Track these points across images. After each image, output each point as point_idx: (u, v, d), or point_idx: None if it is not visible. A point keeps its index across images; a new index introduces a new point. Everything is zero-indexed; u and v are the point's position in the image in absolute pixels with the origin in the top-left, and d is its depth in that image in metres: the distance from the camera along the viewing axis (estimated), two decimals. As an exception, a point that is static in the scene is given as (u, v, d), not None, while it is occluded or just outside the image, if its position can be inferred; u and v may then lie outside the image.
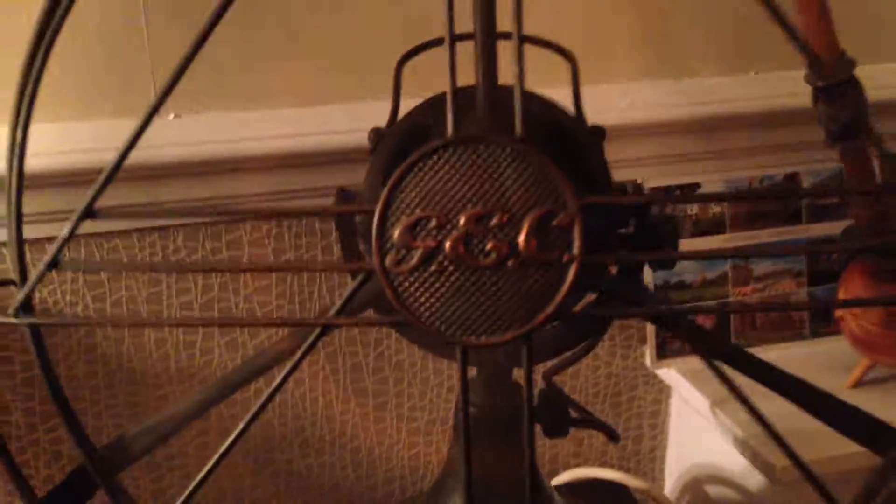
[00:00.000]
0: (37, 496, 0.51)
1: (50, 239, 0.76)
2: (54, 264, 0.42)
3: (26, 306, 0.44)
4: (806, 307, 0.93)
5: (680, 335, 0.46)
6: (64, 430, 0.82)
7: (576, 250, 0.39)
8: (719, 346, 0.52)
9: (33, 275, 0.43)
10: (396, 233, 0.39)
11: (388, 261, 0.39)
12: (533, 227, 0.39)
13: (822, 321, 0.95)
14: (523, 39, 0.46)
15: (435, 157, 0.39)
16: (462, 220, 0.39)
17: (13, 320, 0.44)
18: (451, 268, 0.39)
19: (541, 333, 0.58)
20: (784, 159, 0.90)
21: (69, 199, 0.74)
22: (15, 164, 0.45)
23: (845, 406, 0.53)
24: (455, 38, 0.44)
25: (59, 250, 0.42)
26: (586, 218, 0.41)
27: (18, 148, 0.44)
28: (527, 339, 0.40)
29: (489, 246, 0.39)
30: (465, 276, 0.39)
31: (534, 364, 0.63)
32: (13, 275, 0.48)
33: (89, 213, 0.41)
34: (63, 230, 0.42)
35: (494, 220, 0.39)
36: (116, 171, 0.42)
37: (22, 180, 0.46)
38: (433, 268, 0.39)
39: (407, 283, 0.40)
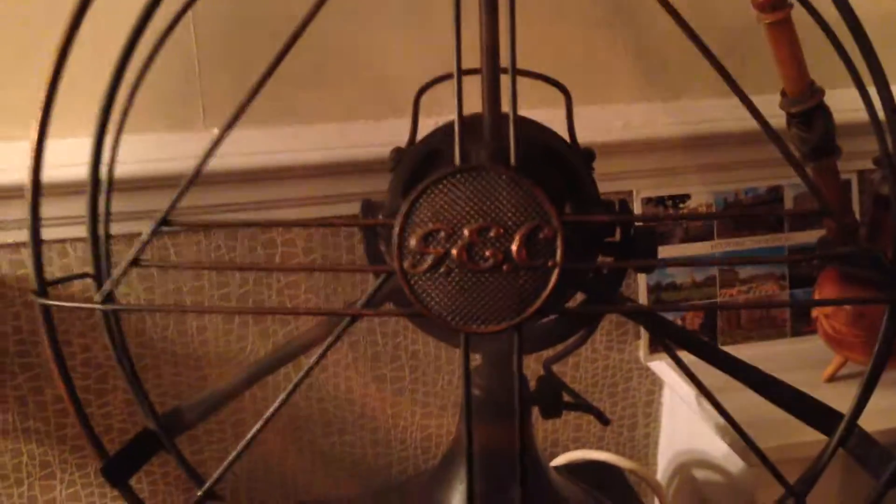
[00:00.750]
0: (109, 455, 0.61)
1: (109, 237, 0.86)
2: (136, 262, 0.52)
3: (109, 296, 0.54)
4: (780, 305, 1.01)
5: (651, 329, 0.55)
6: (114, 406, 0.93)
7: (558, 258, 0.48)
8: (686, 338, 0.61)
9: (117, 270, 0.53)
10: (413, 242, 0.48)
11: (406, 264, 0.49)
12: (523, 238, 0.48)
13: (802, 320, 1.03)
14: (521, 73, 0.55)
15: (444, 182, 0.48)
16: (466, 232, 0.48)
17: (99, 307, 0.54)
18: (456, 270, 0.48)
19: (537, 327, 0.68)
20: (767, 173, 0.98)
21: (125, 203, 0.83)
22: (104, 172, 0.55)
23: (797, 392, 0.61)
24: (463, 74, 0.54)
25: (141, 251, 0.52)
26: (574, 230, 0.50)
27: (108, 161, 0.53)
28: (518, 329, 0.49)
29: (487, 253, 0.48)
30: (468, 278, 0.48)
31: (532, 352, 0.73)
32: (90, 269, 0.58)
33: (165, 221, 0.51)
34: (143, 234, 0.51)
35: (492, 233, 0.48)
36: (187, 190, 0.51)
37: (111, 192, 0.56)
38: (442, 270, 0.48)
39: (421, 282, 0.49)
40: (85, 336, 0.89)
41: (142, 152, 0.84)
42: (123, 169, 0.83)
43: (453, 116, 0.50)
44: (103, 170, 0.58)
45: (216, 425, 0.95)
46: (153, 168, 0.84)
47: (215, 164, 0.84)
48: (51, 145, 0.73)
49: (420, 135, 0.71)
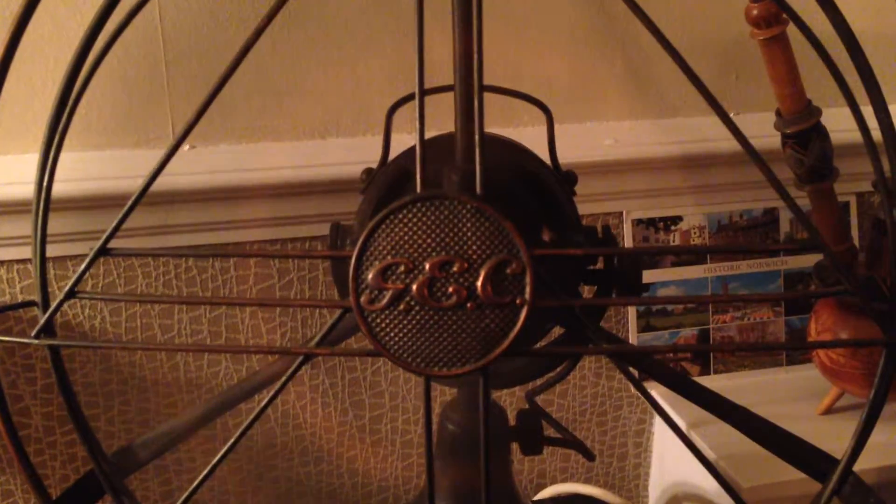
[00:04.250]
0: (51, 497, 0.57)
1: (72, 257, 0.82)
2: (72, 294, 0.48)
3: (47, 328, 0.50)
4: (776, 347, 0.97)
5: (626, 370, 0.51)
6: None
7: (527, 295, 0.44)
8: (668, 377, 0.57)
9: (54, 303, 0.49)
10: (370, 276, 0.44)
11: (362, 300, 0.45)
12: (489, 274, 0.44)
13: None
14: (492, 90, 0.51)
15: (405, 211, 0.44)
16: (427, 267, 0.44)
17: (34, 341, 0.50)
18: (417, 307, 0.44)
19: (512, 362, 0.64)
20: (762, 194, 0.95)
21: (90, 221, 0.80)
22: (43, 198, 0.51)
23: (784, 433, 0.57)
24: (433, 92, 0.50)
25: (77, 282, 0.48)
26: (550, 260, 0.46)
27: (45, 192, 0.49)
28: (483, 371, 0.45)
29: (450, 289, 0.44)
30: (430, 315, 0.44)
31: (508, 388, 0.69)
32: (35, 296, 0.54)
33: (104, 251, 0.47)
34: (82, 265, 0.47)
35: (455, 267, 0.44)
36: (128, 215, 0.47)
37: (47, 215, 0.52)
38: (401, 307, 0.44)
39: (379, 320, 0.45)
40: (48, 361, 0.85)
41: (110, 169, 0.81)
42: (92, 185, 0.80)
43: (432, 134, 0.47)
44: (56, 187, 0.54)
45: (185, 454, 0.91)
46: (121, 185, 0.80)
47: (183, 181, 0.81)
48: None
49: (396, 153, 0.67)
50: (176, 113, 0.81)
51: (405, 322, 0.45)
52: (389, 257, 0.44)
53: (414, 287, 0.44)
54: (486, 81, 0.49)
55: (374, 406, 0.96)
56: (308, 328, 0.91)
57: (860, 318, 0.83)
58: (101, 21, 0.51)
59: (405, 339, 0.45)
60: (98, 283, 0.84)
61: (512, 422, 0.71)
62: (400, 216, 0.44)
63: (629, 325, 0.96)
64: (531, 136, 0.67)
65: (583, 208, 0.63)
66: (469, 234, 0.44)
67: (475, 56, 0.45)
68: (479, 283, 0.44)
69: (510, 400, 0.96)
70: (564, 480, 1.03)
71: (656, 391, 0.97)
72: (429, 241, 0.44)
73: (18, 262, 0.82)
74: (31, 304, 0.55)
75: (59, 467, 0.89)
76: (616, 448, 1.04)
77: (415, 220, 0.44)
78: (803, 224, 0.49)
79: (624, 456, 1.04)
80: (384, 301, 0.44)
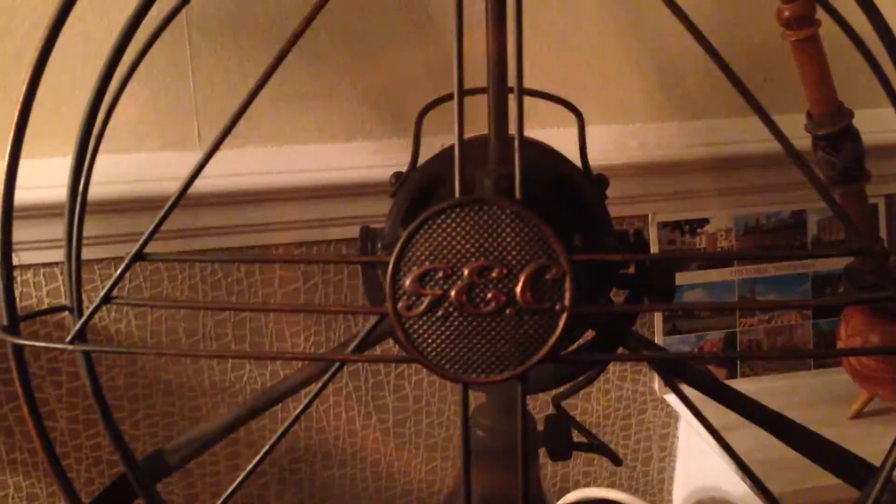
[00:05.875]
0: (81, 501, 0.56)
1: (98, 260, 0.82)
2: (108, 300, 0.48)
3: (81, 335, 0.50)
4: (807, 355, 0.96)
5: (661, 371, 0.50)
6: (104, 437, 0.89)
7: (566, 301, 0.43)
8: (701, 381, 0.56)
9: (88, 308, 0.49)
10: (408, 282, 0.44)
11: (400, 306, 0.44)
12: (528, 279, 0.43)
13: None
14: (530, 94, 0.50)
15: (443, 216, 0.44)
16: (466, 272, 0.44)
17: (69, 347, 0.50)
18: (455, 314, 0.44)
19: (545, 367, 0.63)
20: (789, 197, 0.94)
21: (116, 224, 0.80)
22: (79, 204, 0.51)
23: (820, 439, 0.57)
24: (468, 94, 0.49)
25: (112, 288, 0.48)
26: (584, 264, 0.46)
27: (81, 197, 0.49)
28: (521, 378, 0.45)
29: (489, 295, 0.44)
30: (468, 322, 0.44)
31: (538, 392, 0.68)
32: (67, 301, 0.54)
33: (140, 256, 0.47)
34: (116, 272, 0.47)
35: (494, 273, 0.44)
36: (163, 222, 0.47)
37: (83, 220, 0.52)
38: (439, 313, 0.44)
39: (416, 326, 0.45)
40: (74, 364, 0.86)
41: (136, 172, 0.81)
42: (118, 188, 0.80)
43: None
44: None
45: (209, 457, 0.91)
46: (148, 188, 0.80)
47: (210, 184, 0.81)
48: (25, 165, 0.68)
49: (425, 156, 0.67)
50: (201, 116, 0.81)
51: (443, 328, 0.44)
52: (427, 263, 0.44)
53: (452, 293, 0.44)
54: (512, 83, 0.49)
55: (398, 409, 0.95)
56: (332, 331, 0.91)
57: (892, 321, 0.82)
58: (131, 29, 0.51)
59: (442, 345, 0.45)
60: (124, 286, 0.84)
61: (539, 426, 0.71)
62: (438, 221, 0.44)
63: (655, 328, 0.95)
64: (556, 138, 0.66)
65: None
66: (508, 239, 0.44)
67: (515, 60, 0.44)
68: (518, 289, 0.43)
69: (533, 404, 0.96)
70: (588, 485, 1.02)
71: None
72: (468, 246, 0.44)
73: (45, 265, 0.82)
74: (63, 308, 0.55)
75: (84, 471, 0.89)
76: (640, 452, 1.03)
77: (453, 225, 0.44)
78: (851, 229, 0.48)
79: (648, 460, 1.04)
80: (422, 307, 0.44)
